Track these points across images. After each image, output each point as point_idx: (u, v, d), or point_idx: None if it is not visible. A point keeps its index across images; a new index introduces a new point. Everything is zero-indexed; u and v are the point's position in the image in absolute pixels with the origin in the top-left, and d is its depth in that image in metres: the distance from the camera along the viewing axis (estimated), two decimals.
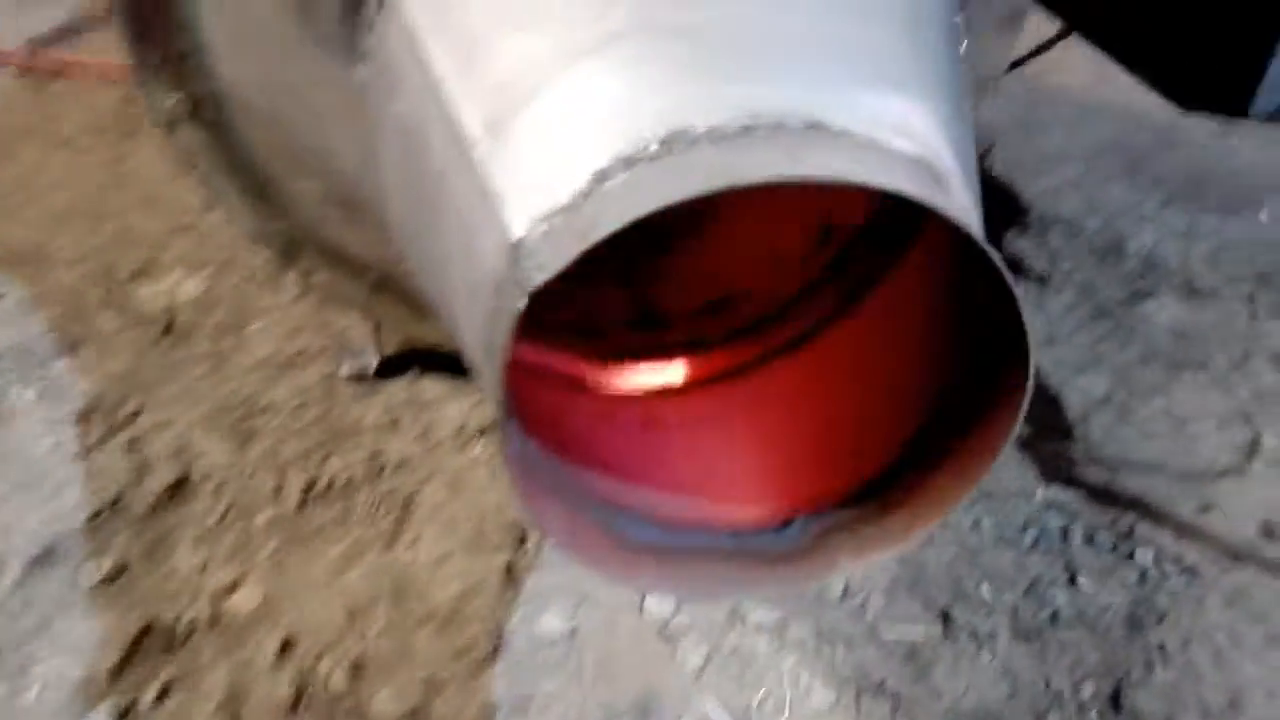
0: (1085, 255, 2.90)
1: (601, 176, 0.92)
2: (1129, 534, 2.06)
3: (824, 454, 1.28)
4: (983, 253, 0.94)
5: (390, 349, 2.33)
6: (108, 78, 3.36)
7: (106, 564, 1.90)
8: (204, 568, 1.90)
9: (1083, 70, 3.89)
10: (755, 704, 1.77)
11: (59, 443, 2.15)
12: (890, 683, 1.80)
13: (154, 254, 2.65)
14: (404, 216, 1.37)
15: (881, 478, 1.20)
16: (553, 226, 0.92)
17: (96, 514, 1.99)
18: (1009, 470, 2.20)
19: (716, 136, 0.98)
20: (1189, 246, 2.99)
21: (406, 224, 1.37)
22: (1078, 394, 2.39)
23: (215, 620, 1.81)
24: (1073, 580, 1.98)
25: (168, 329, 2.43)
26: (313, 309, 2.46)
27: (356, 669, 1.76)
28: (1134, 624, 1.89)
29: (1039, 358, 0.88)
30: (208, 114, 1.90)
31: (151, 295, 2.53)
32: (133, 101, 3.18)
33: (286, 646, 1.77)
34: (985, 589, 1.96)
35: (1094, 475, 2.20)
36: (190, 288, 2.55)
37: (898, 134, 1.05)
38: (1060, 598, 1.94)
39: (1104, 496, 2.15)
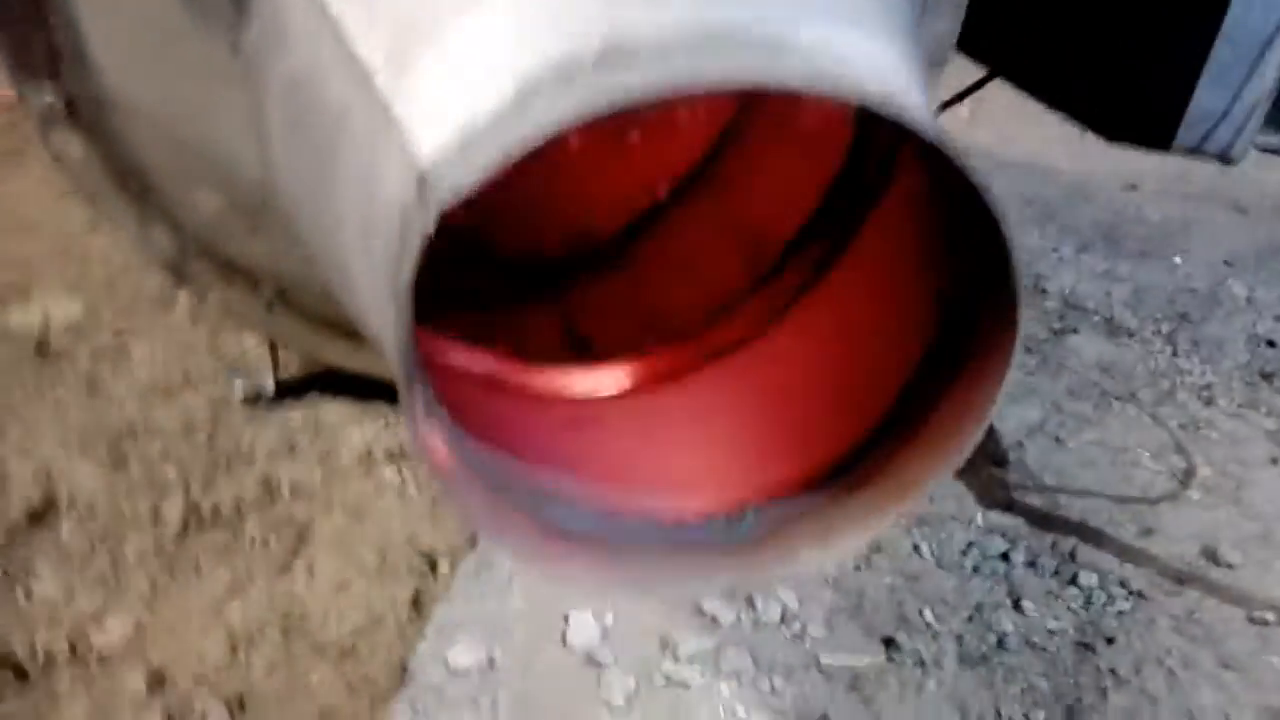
0: None
1: (525, 92, 0.81)
2: (1071, 557, 1.98)
3: (774, 446, 1.17)
4: (960, 172, 0.85)
5: (288, 372, 2.15)
6: None
7: None
8: (67, 597, 1.67)
9: (989, 129, 3.98)
10: None
11: None
12: (833, 713, 1.66)
13: (28, 277, 2.44)
14: (297, 185, 1.24)
15: (844, 462, 1.09)
16: (467, 144, 0.81)
17: None
18: (946, 495, 2.11)
19: (663, 47, 0.89)
20: (1108, 288, 3.01)
21: (300, 193, 1.24)
22: (1012, 422, 2.33)
23: (76, 652, 1.58)
24: (1017, 605, 1.88)
25: (39, 351, 2.21)
26: (205, 332, 2.28)
27: (238, 705, 1.54)
28: (1083, 648, 1.79)
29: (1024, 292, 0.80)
30: (87, 115, 1.76)
31: (23, 318, 2.32)
32: (16, 126, 2.99)
33: (157, 680, 1.55)
34: (928, 614, 1.84)
35: (1032, 500, 2.12)
36: (67, 310, 2.34)
37: (860, 59, 0.97)
38: (1006, 622, 1.84)
39: (1043, 521, 2.07)
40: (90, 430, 2.01)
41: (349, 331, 2.01)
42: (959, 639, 1.80)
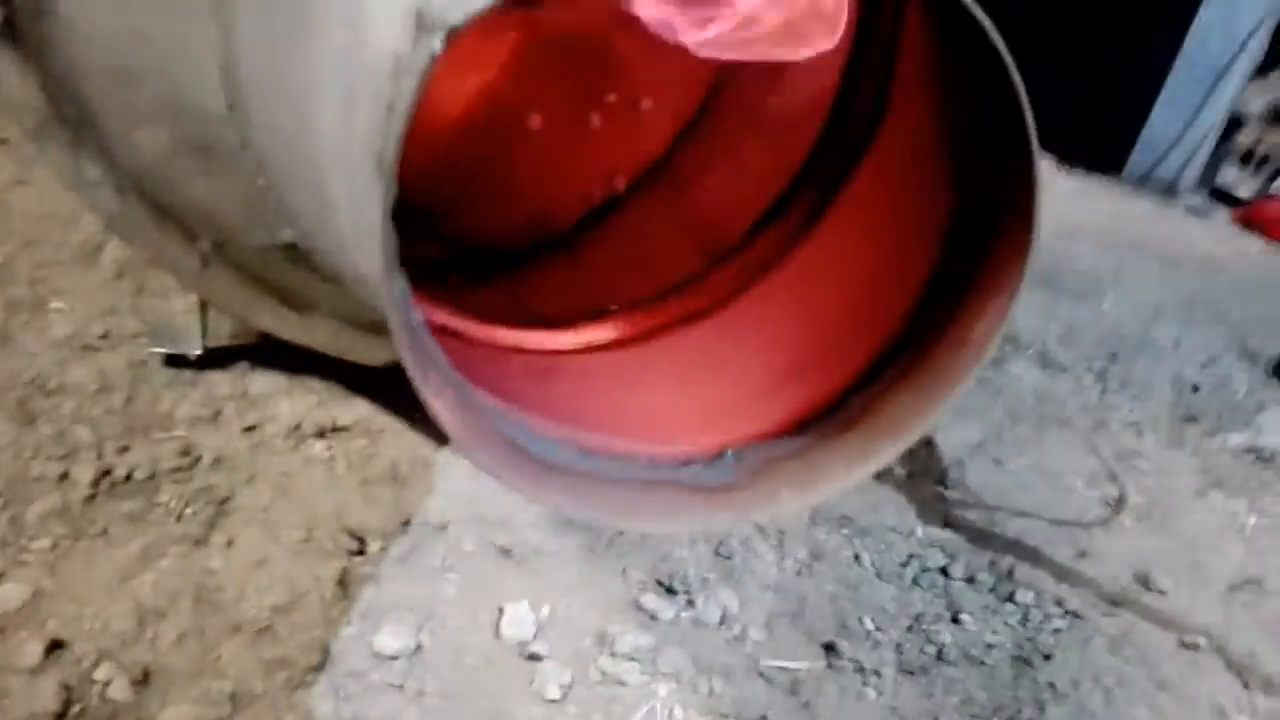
0: None
1: None
2: (1009, 575, 1.98)
3: (755, 396, 1.13)
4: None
5: (217, 340, 2.04)
6: None
7: None
8: None
9: None
10: None
11: None
12: (772, 716, 1.61)
13: None
14: (267, 72, 1.16)
15: (830, 406, 1.06)
16: None
17: None
18: (887, 507, 2.09)
19: None
20: (1043, 325, 3.07)
21: (270, 80, 1.17)
22: (953, 441, 2.33)
23: None
24: (956, 618, 1.86)
25: None
26: (129, 291, 2.15)
27: (142, 678, 1.43)
28: (1021, 663, 1.78)
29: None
30: (29, 35, 1.64)
31: None
32: None
33: (55, 649, 1.43)
34: (869, 623, 1.82)
35: (972, 517, 2.12)
36: None
37: None
38: (945, 634, 1.82)
39: (982, 538, 2.07)
40: None
41: (287, 297, 1.92)
42: (899, 648, 1.77)
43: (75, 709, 1.36)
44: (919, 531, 2.04)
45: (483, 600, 1.71)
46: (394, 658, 1.58)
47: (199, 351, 1.98)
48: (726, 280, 1.50)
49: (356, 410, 2.01)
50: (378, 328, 1.98)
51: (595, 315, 1.50)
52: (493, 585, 1.73)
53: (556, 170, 2.20)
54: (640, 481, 1.02)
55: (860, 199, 1.36)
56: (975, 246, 1.00)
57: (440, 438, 2.02)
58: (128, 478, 1.76)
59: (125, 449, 1.80)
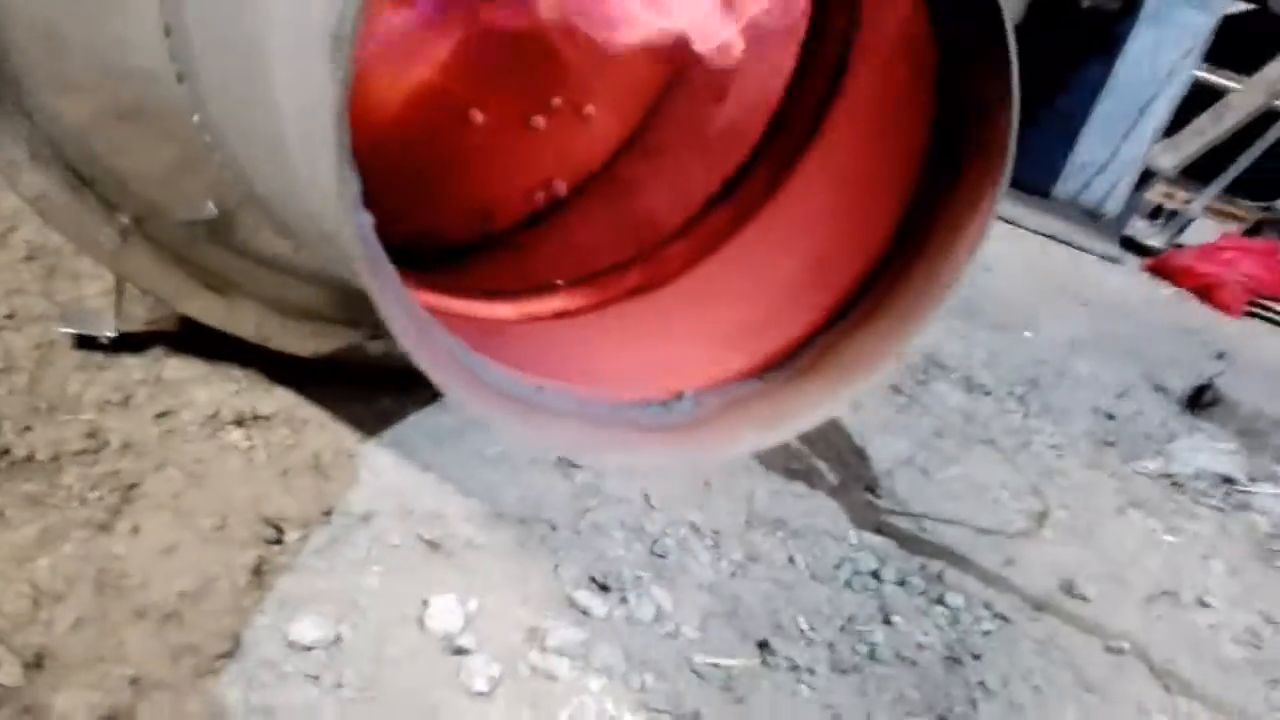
0: None
1: None
2: (939, 578, 1.98)
3: (712, 352, 1.11)
4: None
5: (133, 324, 1.95)
6: None
7: None
8: None
9: None
10: None
11: None
12: (706, 713, 1.57)
13: None
14: (215, 11, 1.11)
15: (793, 351, 1.04)
16: None
17: None
18: (822, 513, 2.08)
19: None
20: (967, 351, 3.13)
21: (218, 19, 1.12)
22: (883, 453, 2.35)
23: None
24: (888, 619, 1.85)
25: None
26: (40, 272, 2.05)
27: (35, 662, 1.32)
28: (952, 662, 1.77)
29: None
30: None
31: None
32: None
33: None
34: (802, 622, 1.79)
35: (902, 524, 2.12)
36: None
37: None
38: (877, 634, 1.80)
39: (912, 544, 2.07)
40: None
41: (210, 279, 1.85)
42: (831, 647, 1.75)
43: None
44: (852, 536, 2.04)
45: (407, 593, 1.63)
46: (310, 648, 1.49)
47: (112, 334, 1.89)
48: (676, 256, 1.49)
49: (278, 400, 1.93)
50: (304, 312, 1.91)
51: (541, 289, 1.47)
52: (418, 578, 1.66)
53: (500, 170, 2.18)
54: (598, 419, 0.99)
55: (814, 171, 1.36)
56: (941, 192, 1.01)
57: (367, 428, 1.95)
58: (29, 459, 1.65)
59: (27, 429, 1.70)
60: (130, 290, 1.88)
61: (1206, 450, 3.04)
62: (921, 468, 2.35)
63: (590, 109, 2.22)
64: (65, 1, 1.45)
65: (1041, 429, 2.81)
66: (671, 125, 2.18)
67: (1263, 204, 6.25)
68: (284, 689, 1.42)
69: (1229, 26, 5.45)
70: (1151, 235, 5.31)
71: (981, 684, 1.73)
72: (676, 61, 2.11)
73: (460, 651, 1.56)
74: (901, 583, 1.95)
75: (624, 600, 1.73)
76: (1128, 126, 3.76)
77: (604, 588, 1.75)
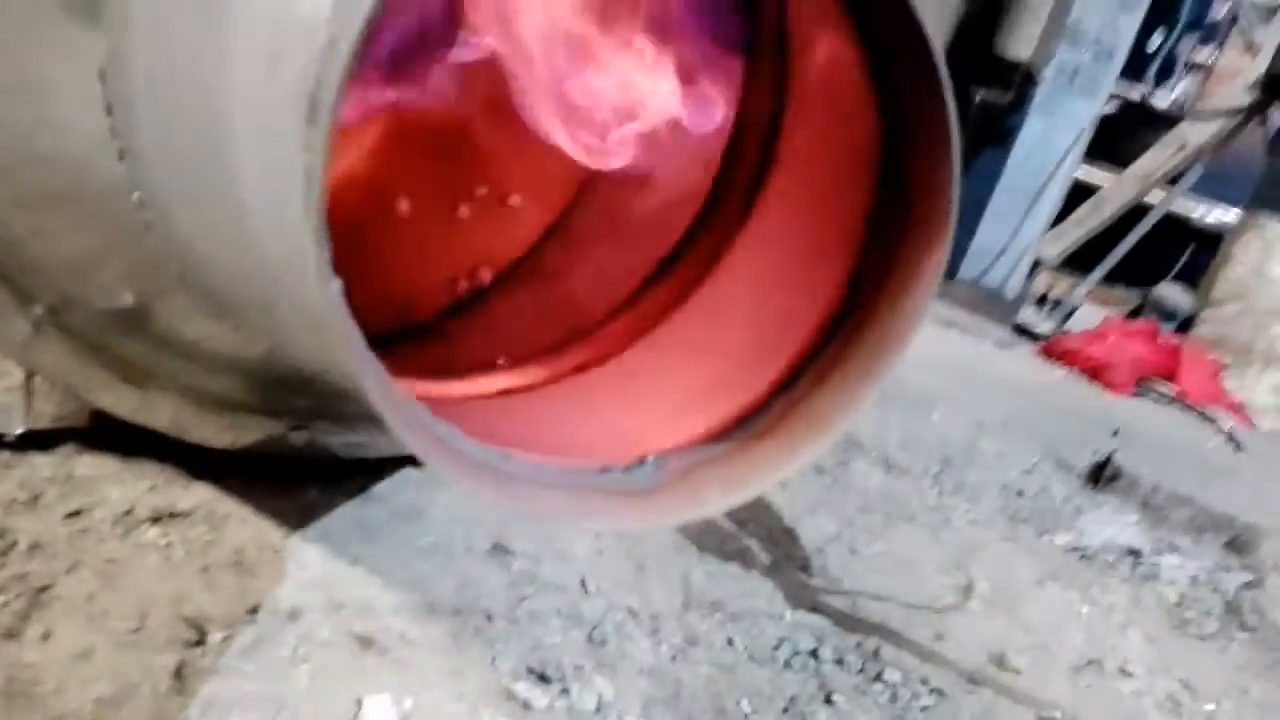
0: None
1: None
2: (875, 655, 1.99)
3: (667, 418, 1.12)
4: None
5: (42, 421, 1.87)
6: None
7: None
8: None
9: None
10: None
11: None
12: None
13: None
14: (173, 70, 1.10)
15: (750, 413, 1.05)
16: None
17: None
18: (757, 593, 2.09)
19: None
20: (883, 432, 3.21)
21: (174, 76, 1.11)
22: (812, 532, 2.37)
23: None
24: (829, 699, 1.85)
25: None
26: None
27: None
28: None
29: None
30: None
31: None
32: None
33: None
34: (745, 705, 1.77)
35: (836, 602, 2.14)
36: None
37: None
38: (820, 715, 1.79)
39: (847, 621, 2.08)
40: None
41: (126, 370, 1.79)
42: None
43: None
44: (789, 616, 2.04)
45: (339, 693, 1.56)
46: None
47: (20, 431, 1.80)
48: (614, 335, 1.50)
49: (197, 495, 1.86)
50: (224, 402, 1.86)
51: (483, 368, 1.46)
52: (351, 676, 1.59)
53: (424, 260, 2.18)
54: (565, 485, 0.99)
55: (751, 246, 1.41)
56: (888, 252, 1.05)
57: (292, 521, 1.89)
58: None
59: None
60: (39, 385, 1.81)
61: (1112, 523, 3.16)
62: (850, 545, 2.38)
63: (515, 198, 2.26)
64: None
65: (958, 506, 2.88)
66: (596, 213, 2.22)
67: (1141, 290, 6.65)
68: None
69: (1101, 125, 5.88)
70: (1040, 322, 5.58)
71: None
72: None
73: None
74: (839, 661, 1.95)
75: (564, 691, 1.69)
76: (1023, 212, 4.02)
77: (543, 678, 1.70)
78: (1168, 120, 6.65)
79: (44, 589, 1.58)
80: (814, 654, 1.96)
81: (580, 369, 1.46)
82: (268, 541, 1.82)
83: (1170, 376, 4.99)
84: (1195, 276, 6.53)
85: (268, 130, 0.84)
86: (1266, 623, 2.72)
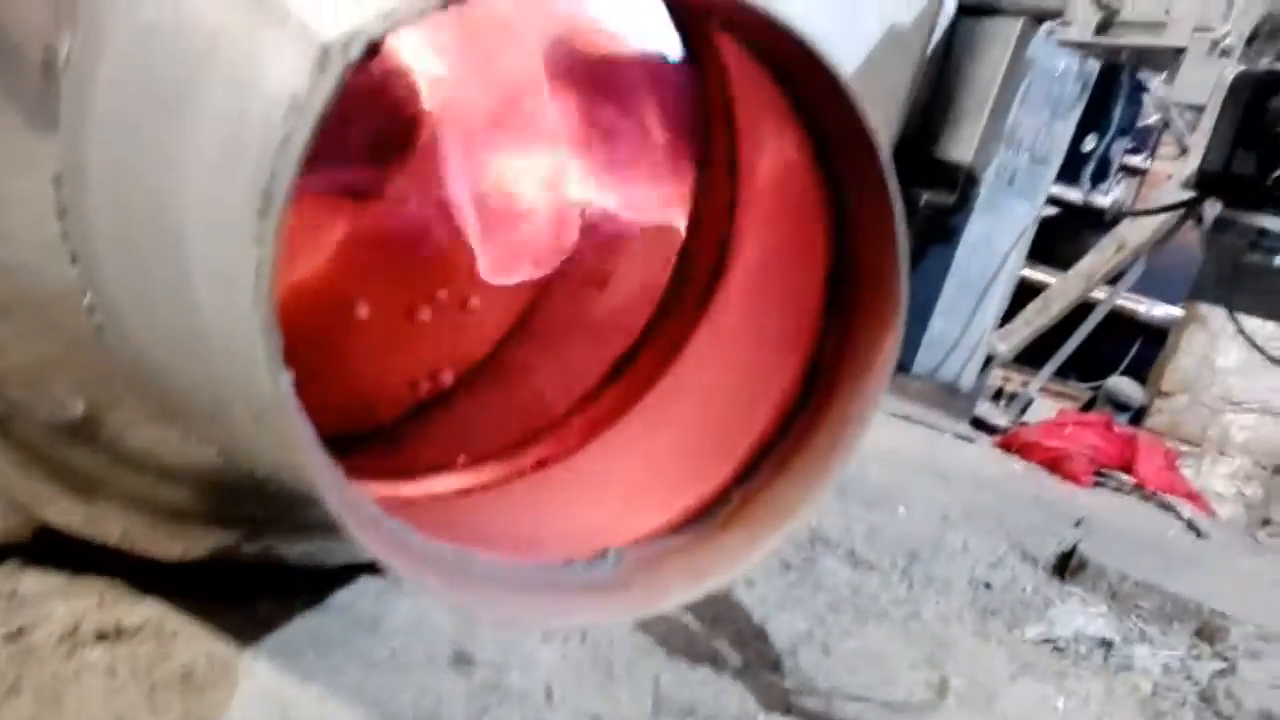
0: None
1: None
2: None
3: (627, 513, 1.10)
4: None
5: None
6: None
7: None
8: None
9: None
10: None
11: None
12: None
13: None
14: (124, 183, 1.11)
15: (711, 504, 1.04)
16: (398, 4, 0.77)
17: None
18: (729, 696, 2.03)
19: None
20: (848, 527, 3.19)
21: (126, 189, 1.11)
22: (782, 631, 2.33)
23: None
24: None
25: None
26: None
27: None
28: None
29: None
30: None
31: None
32: None
33: None
34: None
35: (810, 704, 2.08)
36: None
37: None
38: None
39: None
40: None
41: (74, 480, 1.74)
42: None
43: None
44: (761, 719, 1.98)
45: None
46: None
47: None
48: (574, 432, 1.49)
49: (145, 610, 1.79)
50: (175, 513, 1.81)
51: (440, 468, 1.44)
52: None
53: (384, 363, 2.17)
54: (525, 583, 0.96)
55: (707, 341, 1.42)
56: (842, 342, 1.06)
57: (245, 636, 1.82)
58: None
59: None
60: None
61: (1081, 614, 3.15)
62: (821, 644, 2.34)
63: (475, 300, 2.26)
64: None
65: (928, 600, 2.86)
66: (556, 312, 2.23)
67: (1092, 384, 6.78)
68: None
69: (1045, 228, 6.10)
70: (997, 415, 5.66)
71: None
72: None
73: None
74: None
75: None
76: (972, 308, 4.16)
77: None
78: (1107, 222, 6.91)
79: None
80: None
81: (540, 466, 1.45)
82: (218, 657, 1.74)
83: (1127, 467, 5.06)
84: (1144, 369, 6.69)
85: (220, 225, 0.85)
86: (1242, 710, 2.69)
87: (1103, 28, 3.80)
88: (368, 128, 1.89)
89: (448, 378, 2.22)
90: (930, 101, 4.54)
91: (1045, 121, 4.63)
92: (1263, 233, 3.37)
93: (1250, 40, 3.64)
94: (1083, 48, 4.25)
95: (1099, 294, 5.63)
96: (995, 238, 4.66)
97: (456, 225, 2.20)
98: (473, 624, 1.85)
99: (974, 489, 4.17)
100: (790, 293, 1.22)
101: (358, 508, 0.91)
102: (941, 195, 4.37)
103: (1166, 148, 9.35)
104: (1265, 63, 3.56)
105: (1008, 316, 5.49)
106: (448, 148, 1.94)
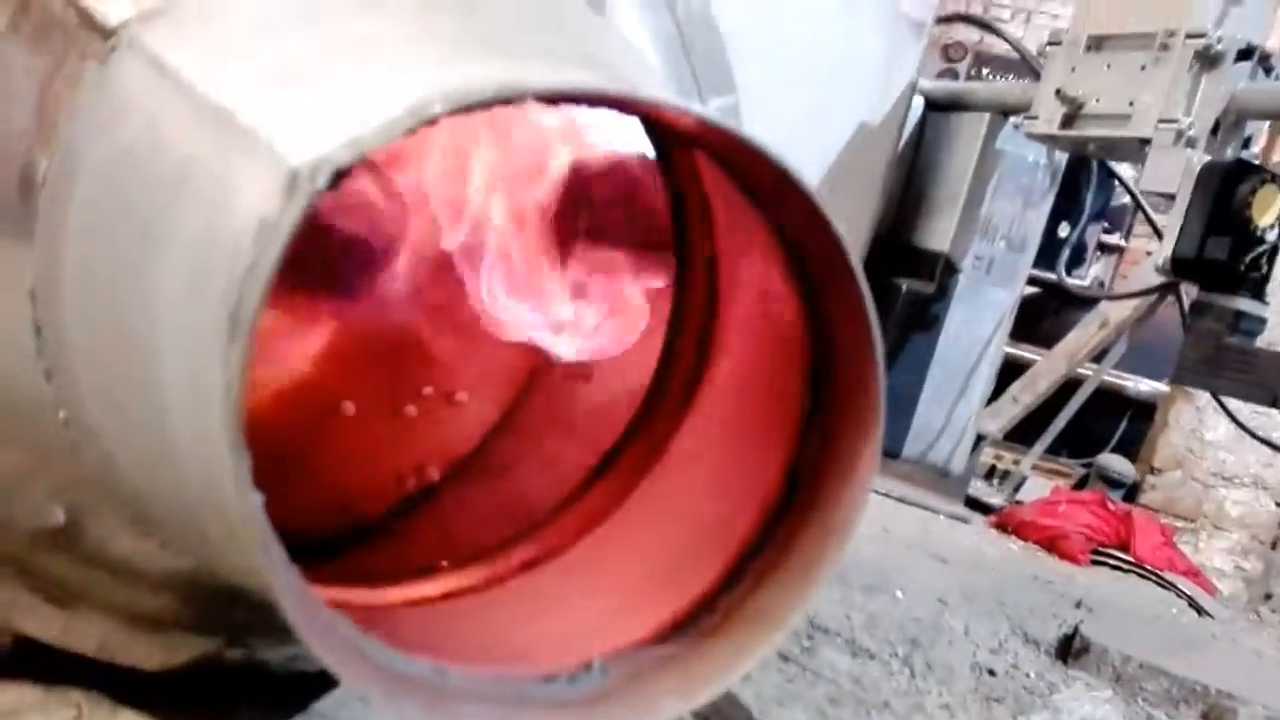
0: None
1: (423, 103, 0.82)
2: None
3: (613, 619, 1.08)
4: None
5: None
6: None
7: None
8: None
9: None
10: None
11: None
12: None
13: None
14: (98, 304, 1.11)
15: (696, 612, 1.03)
16: (353, 139, 0.79)
17: None
18: None
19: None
20: (846, 614, 3.14)
21: (99, 311, 1.11)
22: None
23: None
24: None
25: None
26: None
27: None
28: None
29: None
30: None
31: None
32: None
33: None
34: None
35: None
36: None
37: None
38: None
39: None
40: None
41: (51, 591, 1.71)
42: None
43: None
44: None
45: None
46: None
47: None
48: (561, 530, 1.47)
49: None
50: (155, 621, 1.77)
51: (426, 571, 1.42)
52: None
53: (370, 460, 2.15)
54: (507, 699, 0.94)
55: (692, 438, 1.41)
56: (824, 443, 1.06)
57: None
58: None
59: None
60: None
61: (1087, 700, 3.09)
62: None
63: (461, 395, 2.26)
64: None
65: (929, 689, 2.80)
66: (541, 407, 2.22)
67: (1083, 461, 6.77)
68: None
69: (1029, 308, 6.16)
70: (990, 494, 5.64)
71: None
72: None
73: None
74: None
75: None
76: (957, 393, 4.21)
77: None
78: (1088, 301, 7.00)
79: None
80: None
81: (526, 567, 1.43)
82: None
83: (1124, 544, 5.01)
84: (1134, 445, 6.69)
85: (190, 347, 0.85)
86: None
87: (1068, 121, 3.90)
88: (349, 232, 1.91)
89: (434, 473, 2.21)
90: (905, 193, 4.66)
91: (1019, 210, 4.75)
92: (1240, 315, 3.41)
93: (1214, 130, 3.73)
94: (1050, 140, 4.34)
95: (1085, 370, 5.66)
96: (976, 324, 4.74)
97: (441, 320, 2.21)
98: None
99: (972, 570, 4.13)
100: (772, 391, 1.22)
101: (330, 632, 0.89)
102: (921, 284, 4.46)
103: (1142, 225, 9.53)
104: (1230, 152, 3.64)
105: (995, 395, 5.51)
106: (432, 245, 1.95)
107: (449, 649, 1.08)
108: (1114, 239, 9.60)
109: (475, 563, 1.46)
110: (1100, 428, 6.93)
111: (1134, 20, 3.82)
